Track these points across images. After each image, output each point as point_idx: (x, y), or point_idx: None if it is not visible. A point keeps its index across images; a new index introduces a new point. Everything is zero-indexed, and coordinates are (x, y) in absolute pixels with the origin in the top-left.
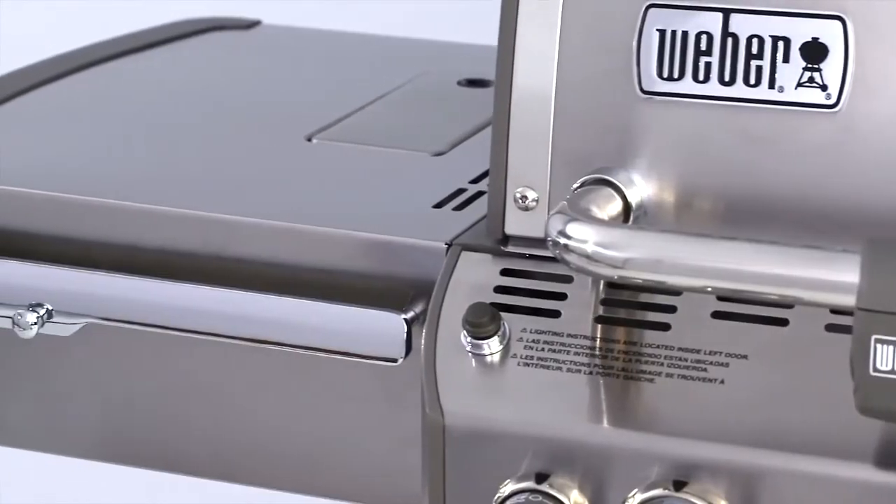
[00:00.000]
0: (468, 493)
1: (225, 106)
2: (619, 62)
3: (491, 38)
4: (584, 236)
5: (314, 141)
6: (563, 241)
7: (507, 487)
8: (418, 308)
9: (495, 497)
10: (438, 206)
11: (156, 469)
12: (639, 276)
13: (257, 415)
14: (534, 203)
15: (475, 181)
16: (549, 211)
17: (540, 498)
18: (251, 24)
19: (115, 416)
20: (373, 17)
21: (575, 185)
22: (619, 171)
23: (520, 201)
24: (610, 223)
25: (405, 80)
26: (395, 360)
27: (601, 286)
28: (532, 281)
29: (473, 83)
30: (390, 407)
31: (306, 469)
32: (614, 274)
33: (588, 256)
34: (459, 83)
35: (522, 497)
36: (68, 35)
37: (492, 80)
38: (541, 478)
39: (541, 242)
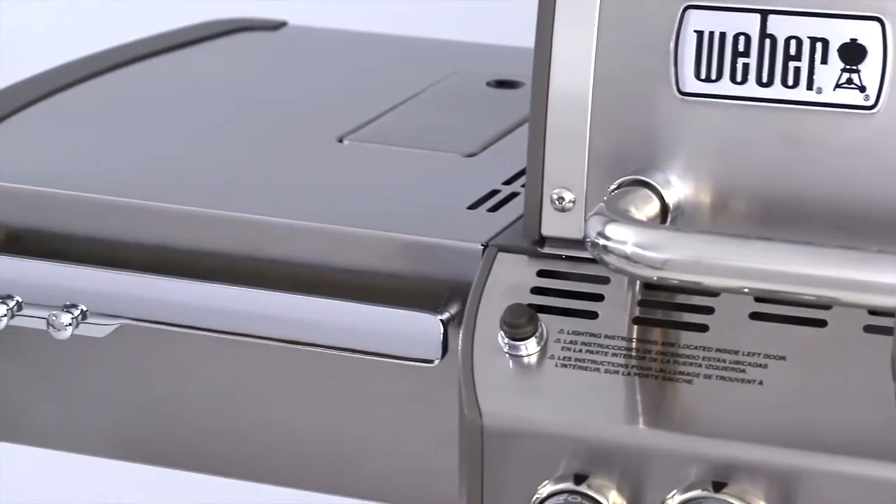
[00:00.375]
0: (506, 494)
1: (255, 107)
2: (657, 63)
3: (518, 39)
4: (623, 237)
5: (345, 142)
6: (602, 242)
7: (546, 489)
8: (453, 309)
9: (533, 498)
10: (473, 207)
11: (189, 470)
12: (678, 276)
13: (291, 416)
14: (570, 204)
15: (508, 182)
16: (585, 212)
17: (579, 499)
18: (278, 25)
19: (147, 417)
20: (397, 18)
21: (612, 187)
22: (656, 172)
23: (556, 202)
24: (649, 224)
25: (434, 80)
26: (431, 362)
27: (637, 287)
28: (568, 282)
29: (502, 84)
30: (425, 408)
31: (340, 470)
32: (653, 275)
33: (627, 257)
34: (489, 84)
35: (561, 498)
36: (96, 36)
37: (521, 82)
38: (579, 479)
39: (577, 243)
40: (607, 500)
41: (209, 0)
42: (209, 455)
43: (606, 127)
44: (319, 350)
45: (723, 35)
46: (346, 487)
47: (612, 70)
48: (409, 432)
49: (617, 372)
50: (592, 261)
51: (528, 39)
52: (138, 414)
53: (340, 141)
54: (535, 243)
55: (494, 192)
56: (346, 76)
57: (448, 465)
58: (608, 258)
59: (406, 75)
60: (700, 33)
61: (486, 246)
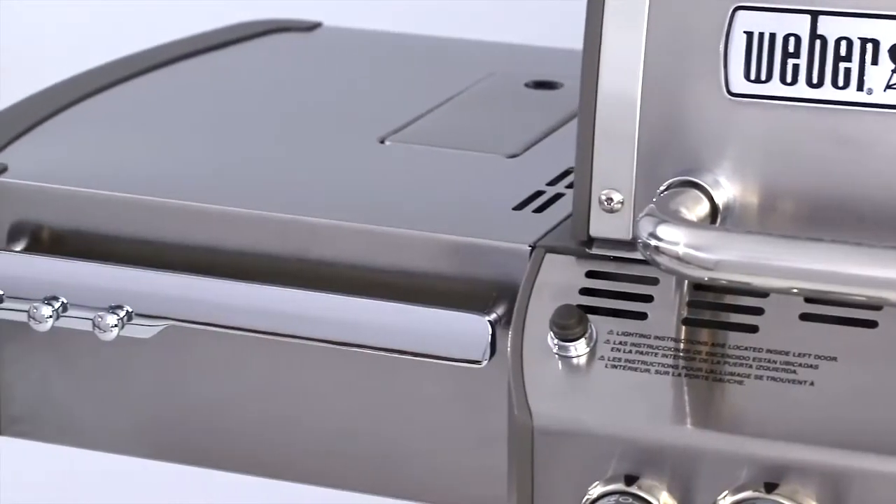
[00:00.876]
0: (556, 495)
1: (294, 108)
2: (706, 64)
3: (551, 39)
4: (675, 238)
5: (387, 143)
6: (653, 242)
7: (596, 489)
8: (500, 310)
9: (584, 499)
10: (518, 208)
11: (234, 472)
12: (729, 277)
13: (338, 417)
14: (619, 205)
15: (552, 183)
16: (633, 213)
17: (630, 500)
18: (312, 26)
19: (191, 418)
20: (429, 19)
21: (661, 188)
22: (705, 172)
23: (605, 203)
24: (700, 225)
25: (471, 82)
26: (479, 363)
27: (685, 288)
28: (617, 283)
29: (540, 85)
30: (470, 408)
31: (385, 471)
32: (705, 275)
33: (679, 258)
34: (527, 85)
35: (612, 499)
36: (130, 38)
37: (559, 82)
38: (630, 480)
39: (625, 244)
40: (658, 501)
41: (236, 1)
42: (254, 456)
43: (655, 128)
44: (366, 351)
45: (773, 36)
46: (391, 488)
47: (661, 71)
48: (454, 433)
49: (667, 373)
50: (641, 261)
51: (561, 40)
52: (182, 415)
53: (382, 142)
54: (582, 244)
55: (539, 193)
56: (382, 77)
57: (493, 465)
58: (660, 259)
59: (443, 76)
60: (750, 34)
61: (533, 247)
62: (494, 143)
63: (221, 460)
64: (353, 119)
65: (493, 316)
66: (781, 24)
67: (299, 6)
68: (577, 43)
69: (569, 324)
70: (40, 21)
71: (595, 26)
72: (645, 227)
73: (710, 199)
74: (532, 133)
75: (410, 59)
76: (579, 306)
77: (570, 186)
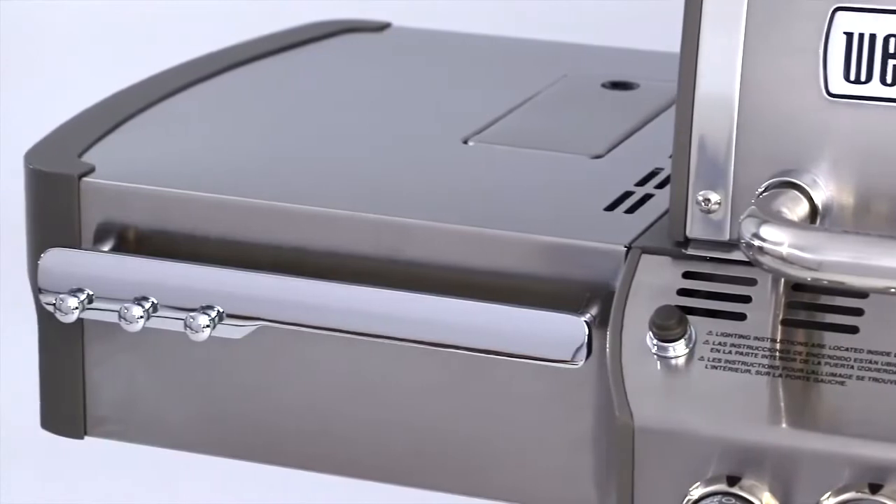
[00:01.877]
0: (656, 496)
1: (373, 109)
2: (804, 65)
3: (623, 40)
4: (778, 239)
5: (470, 143)
6: (757, 243)
7: (698, 490)
8: (594, 311)
9: (685, 499)
10: (609, 208)
11: (325, 472)
12: (833, 278)
13: (430, 418)
14: (716, 206)
15: (640, 184)
16: (730, 214)
17: (733, 501)
18: (382, 27)
19: (282, 419)
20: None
21: (759, 189)
22: (804, 173)
23: (702, 204)
24: (803, 226)
25: (547, 82)
26: (575, 363)
27: (781, 288)
28: (715, 283)
29: (617, 85)
30: (562, 409)
31: (477, 472)
32: (808, 276)
33: (783, 259)
34: (604, 86)
35: (715, 499)
36: (196, 40)
37: (635, 83)
38: (732, 480)
39: (722, 245)
40: (760, 501)
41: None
42: (346, 457)
43: (753, 129)
44: (459, 352)
45: (873, 37)
46: (482, 489)
47: (759, 72)
48: (546, 434)
49: (768, 373)
50: (738, 262)
51: (629, 40)
52: (271, 416)
53: (465, 142)
54: (678, 245)
55: (628, 194)
56: (457, 78)
57: (584, 466)
58: (763, 259)
59: (517, 77)
60: (849, 35)
61: (629, 247)
62: (578, 143)
63: (311, 461)
64: (433, 119)
65: (588, 316)
66: (881, 25)
67: (360, 6)
68: (649, 43)
69: (669, 324)
70: (118, 21)
71: (692, 28)
72: (748, 227)
73: (810, 199)
74: (614, 133)
75: (483, 60)
76: (677, 307)
77: (658, 187)
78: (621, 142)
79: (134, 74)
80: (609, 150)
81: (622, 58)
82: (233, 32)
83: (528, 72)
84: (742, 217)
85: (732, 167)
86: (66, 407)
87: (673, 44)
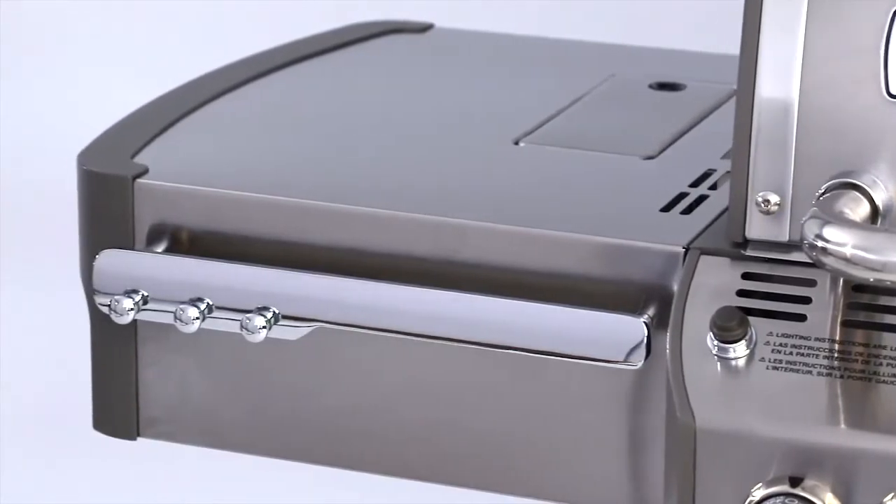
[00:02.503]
0: (717, 497)
1: (421, 110)
2: (865, 66)
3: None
4: (842, 240)
5: (521, 144)
6: (820, 244)
7: (759, 491)
8: (651, 312)
9: (747, 500)
10: (665, 209)
11: (380, 474)
12: None
13: (487, 420)
14: (776, 207)
15: (694, 185)
16: (790, 215)
17: (795, 502)
18: (425, 28)
19: (336, 420)
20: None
21: (820, 189)
22: (864, 174)
23: (762, 205)
24: (867, 226)
25: (594, 83)
26: (634, 365)
27: (841, 289)
28: (774, 284)
29: (664, 86)
30: (619, 410)
31: (535, 473)
32: (872, 276)
33: (847, 259)
34: (651, 86)
35: (778, 500)
36: (234, 42)
37: (682, 84)
38: (795, 481)
39: (781, 246)
40: (823, 502)
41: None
42: (402, 459)
43: (813, 129)
44: (516, 353)
45: None
46: (539, 491)
47: (819, 73)
48: (604, 435)
49: (829, 374)
50: (797, 263)
51: (673, 41)
52: (325, 417)
53: (516, 143)
54: (736, 246)
55: (683, 195)
56: (503, 79)
57: (644, 467)
58: (827, 260)
59: (563, 78)
60: None
61: (687, 248)
62: (629, 144)
63: (365, 462)
64: (482, 121)
65: (646, 317)
66: None
67: (403, 7)
68: (695, 44)
69: (730, 325)
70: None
71: (752, 29)
72: (811, 228)
73: (870, 199)
74: (664, 134)
75: (527, 61)
76: (738, 308)
77: (712, 188)
78: (672, 143)
79: (181, 76)
80: (661, 151)
81: (668, 59)
82: (277, 34)
83: (574, 73)
84: (805, 218)
85: (792, 168)
86: (118, 408)
87: (716, 45)
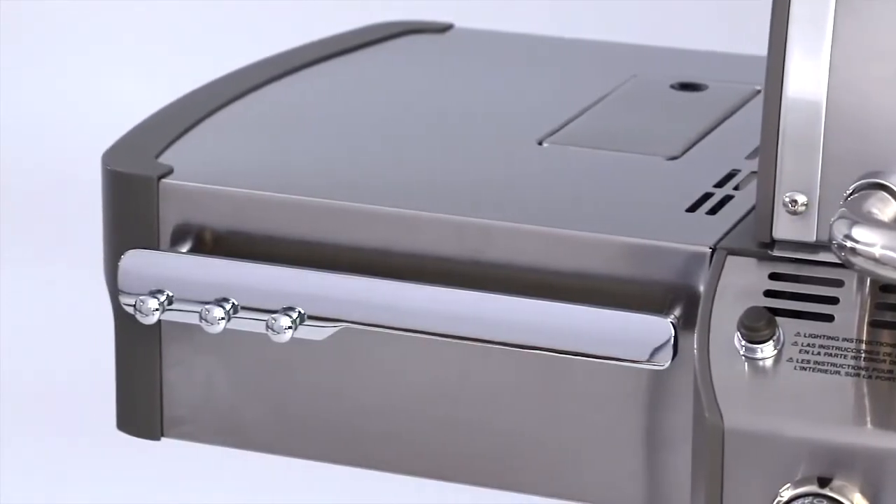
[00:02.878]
0: (746, 498)
1: (443, 110)
2: (893, 65)
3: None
4: (871, 240)
5: (545, 145)
6: (849, 244)
7: (788, 491)
8: (678, 312)
9: (775, 501)
10: (691, 210)
11: (404, 474)
12: None
13: (512, 420)
14: (803, 207)
15: (719, 185)
16: (818, 215)
17: (824, 502)
18: (445, 28)
19: (361, 420)
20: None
21: (847, 190)
22: (892, 174)
23: (789, 205)
24: (895, 227)
25: (615, 83)
26: (661, 365)
27: (868, 289)
28: (801, 285)
29: (686, 87)
30: (646, 411)
31: (562, 473)
32: None
33: (876, 259)
34: (673, 87)
35: (806, 501)
36: (255, 43)
37: (704, 84)
38: (823, 482)
39: (808, 246)
40: (851, 502)
41: (354, 2)
42: (426, 459)
43: (841, 129)
44: (543, 354)
45: None
46: (567, 491)
47: (847, 73)
48: (630, 435)
49: (857, 374)
50: (825, 263)
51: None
52: (350, 417)
53: (540, 144)
54: (763, 246)
55: (708, 195)
56: (524, 79)
57: (670, 467)
58: (856, 260)
59: (584, 78)
60: None
61: (714, 249)
62: (652, 144)
63: (390, 463)
64: (505, 121)
65: (672, 317)
66: None
67: (421, 7)
68: (714, 45)
69: (758, 326)
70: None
71: (780, 29)
72: (840, 229)
73: None
74: (687, 134)
75: (547, 61)
76: (765, 308)
77: (737, 188)
78: (695, 143)
79: (202, 76)
80: (684, 152)
81: (688, 59)
82: (298, 34)
83: (595, 73)
84: (833, 219)
85: (820, 168)
86: (142, 408)
87: (736, 45)
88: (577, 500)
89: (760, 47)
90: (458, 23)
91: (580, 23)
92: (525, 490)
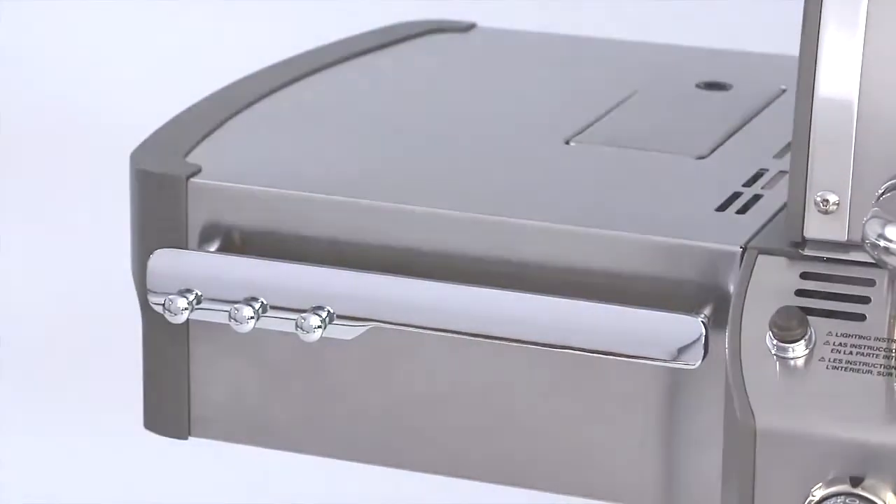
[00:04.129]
0: (778, 497)
1: (469, 109)
2: None
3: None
4: None
5: (572, 144)
6: (882, 243)
7: (820, 491)
8: (708, 311)
9: (807, 500)
10: (720, 209)
11: (434, 473)
12: None
13: (541, 419)
14: (834, 207)
15: (748, 184)
16: (849, 214)
17: (857, 502)
18: (468, 27)
19: (390, 420)
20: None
21: (880, 189)
22: None
23: (820, 205)
24: None
25: (640, 83)
26: (692, 364)
27: None
28: (833, 284)
29: (712, 86)
30: (677, 411)
31: (592, 472)
32: None
33: None
34: (698, 86)
35: (839, 500)
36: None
37: (729, 84)
38: (856, 481)
39: (839, 246)
40: (884, 502)
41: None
42: (456, 458)
43: (873, 129)
44: (573, 353)
45: None
46: (596, 490)
47: (879, 72)
48: (660, 435)
49: (890, 373)
50: (856, 263)
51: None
52: (378, 416)
53: (567, 143)
54: (794, 245)
55: (737, 195)
56: (548, 78)
57: (701, 467)
58: (889, 259)
59: (609, 77)
60: None
61: (745, 248)
62: (680, 144)
63: (419, 462)
64: (531, 120)
65: (703, 317)
66: None
67: (442, 6)
68: (739, 44)
69: (790, 325)
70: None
71: (812, 28)
72: (873, 228)
73: None
74: (714, 134)
75: (570, 60)
76: (797, 308)
77: (766, 187)
78: (723, 142)
79: (227, 76)
80: (712, 151)
81: (713, 58)
82: (321, 34)
83: (619, 72)
84: (866, 218)
85: (851, 167)
86: (170, 407)
87: (760, 44)
88: (607, 499)
89: (784, 46)
90: (481, 22)
91: (603, 22)
92: (554, 489)
